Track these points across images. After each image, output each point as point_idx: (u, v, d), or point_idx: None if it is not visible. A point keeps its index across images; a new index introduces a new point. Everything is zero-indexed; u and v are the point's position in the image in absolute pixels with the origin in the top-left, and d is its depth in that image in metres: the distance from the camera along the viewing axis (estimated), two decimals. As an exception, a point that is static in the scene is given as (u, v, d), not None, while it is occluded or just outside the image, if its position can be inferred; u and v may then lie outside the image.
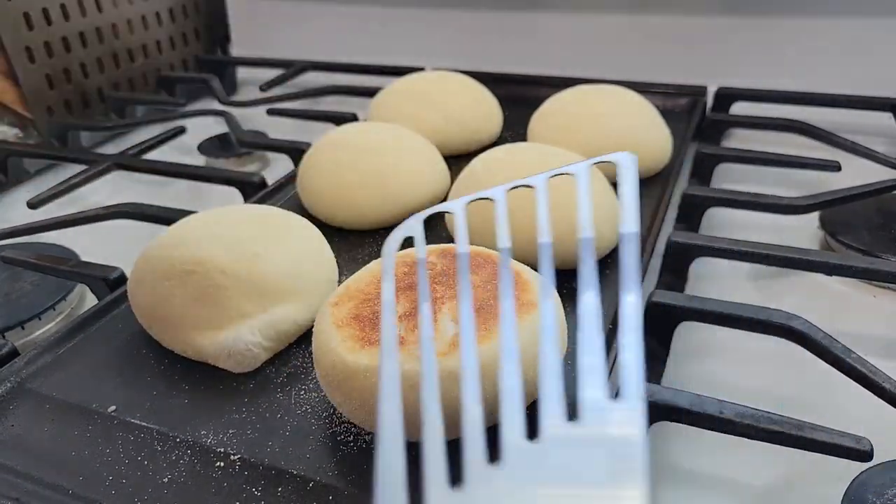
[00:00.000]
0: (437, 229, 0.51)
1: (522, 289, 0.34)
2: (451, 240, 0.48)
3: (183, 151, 0.74)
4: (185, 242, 0.39)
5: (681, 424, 0.32)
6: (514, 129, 0.66)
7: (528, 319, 0.32)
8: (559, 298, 0.35)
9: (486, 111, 0.65)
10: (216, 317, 0.37)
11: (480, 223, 0.44)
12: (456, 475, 0.18)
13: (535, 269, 0.37)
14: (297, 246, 0.41)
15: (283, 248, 0.40)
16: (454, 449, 0.31)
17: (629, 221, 0.24)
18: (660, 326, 0.39)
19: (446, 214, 0.48)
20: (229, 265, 0.37)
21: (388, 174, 0.50)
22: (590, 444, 0.18)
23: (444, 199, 0.52)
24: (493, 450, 0.18)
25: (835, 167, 0.55)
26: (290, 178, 0.58)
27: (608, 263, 0.45)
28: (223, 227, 0.40)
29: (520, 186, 0.30)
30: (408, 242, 0.42)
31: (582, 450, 0.18)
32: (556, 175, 0.29)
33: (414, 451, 0.19)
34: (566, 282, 0.43)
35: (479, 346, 0.30)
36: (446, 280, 0.34)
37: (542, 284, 0.27)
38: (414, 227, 0.28)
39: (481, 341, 0.30)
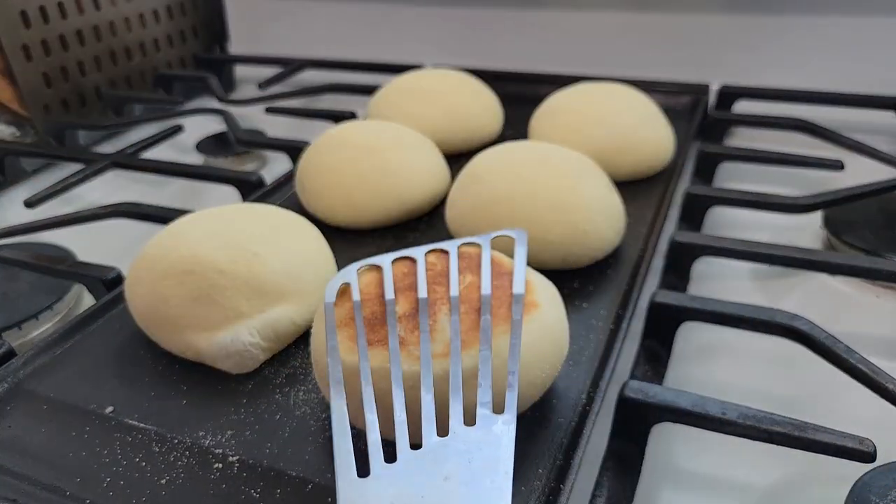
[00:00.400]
0: (437, 227, 0.51)
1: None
2: (452, 238, 0.48)
3: (181, 150, 0.73)
4: (182, 242, 0.38)
5: (683, 425, 0.31)
6: (515, 128, 0.66)
7: (529, 320, 0.31)
8: (560, 299, 0.35)
9: (486, 109, 0.64)
10: (214, 317, 0.36)
11: (482, 225, 0.44)
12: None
13: (537, 269, 0.37)
14: (296, 246, 0.40)
15: (282, 247, 0.39)
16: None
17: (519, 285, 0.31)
18: (662, 327, 0.39)
19: (447, 213, 0.48)
20: (227, 265, 0.37)
21: (388, 173, 0.50)
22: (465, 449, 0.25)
23: (445, 198, 0.51)
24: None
25: (838, 166, 0.55)
26: (289, 177, 0.58)
27: (609, 263, 0.45)
28: (221, 227, 0.39)
29: (430, 252, 0.34)
30: (408, 243, 0.42)
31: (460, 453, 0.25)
32: (463, 244, 0.34)
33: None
34: (566, 282, 0.43)
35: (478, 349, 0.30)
36: (445, 280, 0.34)
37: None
38: (351, 273, 0.33)
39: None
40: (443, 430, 0.26)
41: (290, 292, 0.38)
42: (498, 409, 0.31)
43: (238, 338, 0.36)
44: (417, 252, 0.34)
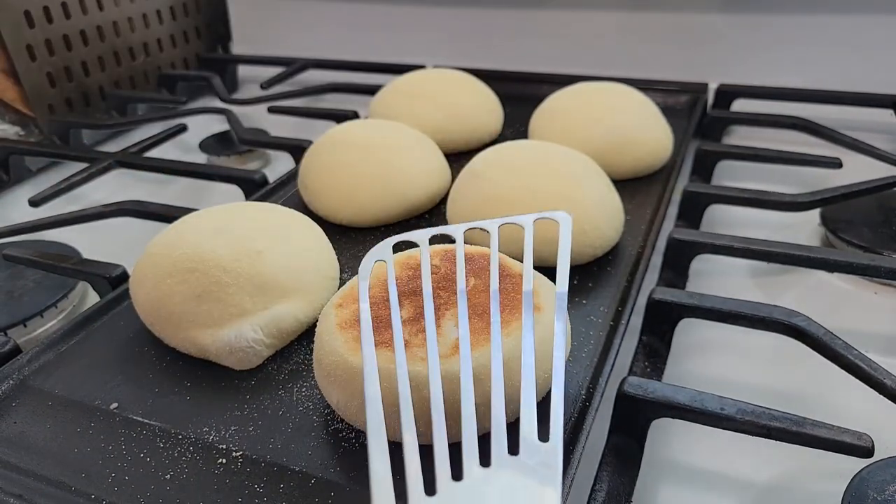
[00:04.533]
0: (438, 225, 0.50)
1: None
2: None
3: (184, 149, 0.74)
4: (186, 240, 0.39)
5: (682, 421, 0.32)
6: (515, 127, 0.66)
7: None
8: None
9: (486, 108, 0.65)
10: (218, 314, 0.37)
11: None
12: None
13: (537, 267, 0.37)
14: (299, 243, 0.41)
15: (285, 245, 0.40)
16: (456, 452, 0.31)
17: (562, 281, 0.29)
18: (660, 323, 0.39)
19: (448, 211, 0.48)
20: (231, 263, 0.37)
21: (390, 171, 0.50)
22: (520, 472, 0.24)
23: (446, 197, 0.52)
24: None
25: (836, 164, 0.55)
26: (292, 176, 0.58)
27: (609, 261, 0.45)
28: (224, 225, 0.40)
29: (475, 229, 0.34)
30: (410, 244, 0.42)
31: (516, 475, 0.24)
32: (505, 224, 0.34)
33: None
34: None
35: (480, 351, 0.30)
36: (449, 285, 0.34)
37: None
38: (386, 250, 0.33)
39: (483, 345, 0.30)
40: (485, 459, 0.24)
41: (293, 289, 0.38)
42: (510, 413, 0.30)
43: (242, 335, 0.36)
44: (457, 231, 0.33)
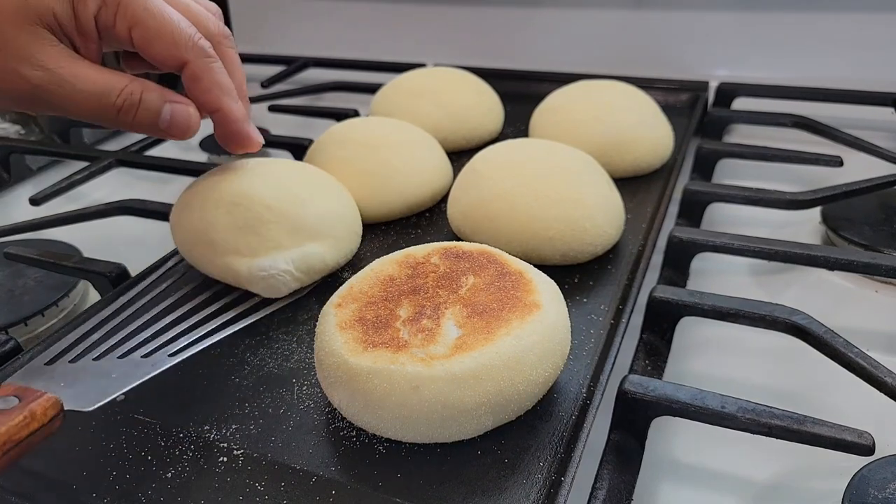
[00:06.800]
0: (438, 224, 0.51)
1: (525, 289, 0.33)
2: (453, 236, 0.48)
3: (185, 148, 0.74)
4: (234, 178, 0.42)
5: (682, 419, 0.32)
6: (516, 125, 0.66)
7: (531, 321, 0.32)
8: (562, 297, 0.35)
9: (487, 107, 0.65)
10: (256, 245, 0.40)
11: (483, 221, 0.45)
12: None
13: (538, 265, 0.37)
14: (333, 197, 0.45)
15: (322, 196, 0.44)
16: (456, 450, 0.31)
17: None
18: (661, 322, 0.39)
19: (449, 209, 0.48)
20: (275, 202, 0.41)
21: (391, 169, 0.50)
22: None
23: (447, 194, 0.52)
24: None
25: (837, 162, 0.55)
26: (292, 175, 0.58)
27: (609, 259, 0.45)
28: (270, 171, 0.44)
29: None
30: (410, 239, 0.42)
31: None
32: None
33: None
34: (567, 277, 0.43)
35: (480, 350, 0.30)
36: (449, 284, 0.34)
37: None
38: None
39: (483, 345, 0.30)
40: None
41: (324, 234, 0.42)
42: (504, 415, 0.31)
43: (275, 265, 0.40)
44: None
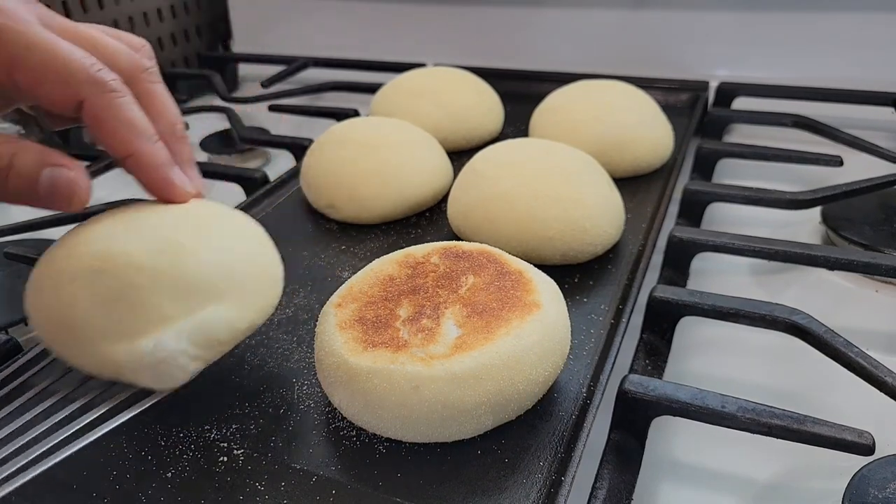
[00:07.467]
0: (438, 224, 0.51)
1: (525, 289, 0.33)
2: (453, 236, 0.48)
3: (185, 148, 0.74)
4: (92, 237, 0.32)
5: (682, 419, 0.32)
6: (516, 125, 0.66)
7: (531, 321, 0.32)
8: (562, 297, 0.35)
9: (487, 107, 0.65)
10: (132, 323, 0.30)
11: (483, 221, 0.45)
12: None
13: (538, 265, 0.37)
14: (230, 235, 0.34)
15: (215, 238, 0.33)
16: (456, 450, 0.31)
17: None
18: (661, 321, 0.39)
19: (449, 209, 0.48)
20: (147, 259, 0.30)
21: (392, 169, 0.50)
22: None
23: (447, 194, 0.52)
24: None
25: (837, 162, 0.55)
26: (292, 174, 0.58)
27: (610, 259, 0.45)
28: (140, 218, 0.32)
29: None
30: (411, 238, 0.42)
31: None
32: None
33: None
34: (567, 276, 0.43)
35: (480, 350, 0.30)
36: (448, 283, 0.34)
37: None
38: None
39: (483, 345, 0.30)
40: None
41: (226, 290, 0.31)
42: (504, 415, 0.31)
43: (162, 344, 0.29)
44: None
